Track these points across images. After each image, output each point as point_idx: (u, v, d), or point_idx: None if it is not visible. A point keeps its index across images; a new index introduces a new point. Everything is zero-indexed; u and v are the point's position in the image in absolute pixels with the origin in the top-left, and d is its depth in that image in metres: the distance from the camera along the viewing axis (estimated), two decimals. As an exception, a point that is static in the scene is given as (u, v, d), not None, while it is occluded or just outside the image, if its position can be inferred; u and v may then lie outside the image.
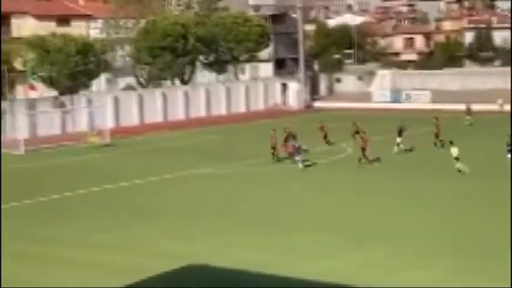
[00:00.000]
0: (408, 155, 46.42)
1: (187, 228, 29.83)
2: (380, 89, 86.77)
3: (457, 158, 39.45)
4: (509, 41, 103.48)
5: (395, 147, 46.82)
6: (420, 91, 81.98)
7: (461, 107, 64.38)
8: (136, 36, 77.52)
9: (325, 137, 51.97)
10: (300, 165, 42.60)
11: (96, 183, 40.43)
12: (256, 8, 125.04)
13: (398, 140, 47.08)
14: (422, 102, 78.16)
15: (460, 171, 38.99)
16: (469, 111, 62.41)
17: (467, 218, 30.02)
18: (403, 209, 31.82)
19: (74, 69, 68.60)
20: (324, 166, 44.10)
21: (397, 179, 38.91)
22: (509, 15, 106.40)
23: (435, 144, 48.19)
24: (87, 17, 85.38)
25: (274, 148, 45.58)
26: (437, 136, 48.55)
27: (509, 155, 42.68)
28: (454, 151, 39.63)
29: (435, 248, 25.59)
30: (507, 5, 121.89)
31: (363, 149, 42.76)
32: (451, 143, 40.15)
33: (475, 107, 68.69)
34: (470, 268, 23.59)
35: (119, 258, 25.81)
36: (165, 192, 37.91)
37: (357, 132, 52.62)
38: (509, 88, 76.39)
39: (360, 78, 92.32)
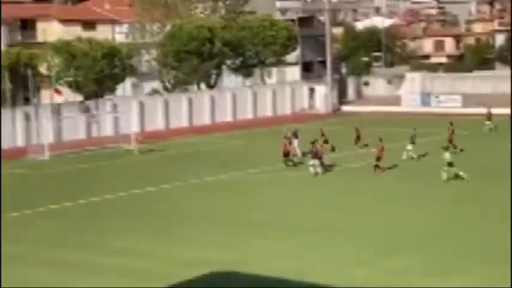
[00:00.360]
0: (425, 160, 45.82)
1: (211, 234, 29.70)
2: (409, 93, 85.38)
3: (450, 164, 38.96)
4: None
5: (404, 153, 46.09)
6: (450, 95, 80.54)
7: (493, 111, 63.05)
8: (162, 40, 77.06)
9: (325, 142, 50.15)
10: (312, 170, 41.75)
11: (120, 188, 40.28)
12: (283, 11, 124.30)
13: (409, 147, 46.33)
14: (452, 106, 76.74)
15: (458, 176, 38.63)
16: (489, 116, 60.47)
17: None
18: (424, 216, 31.59)
19: (99, 73, 68.28)
20: (350, 171, 43.63)
21: (413, 184, 38.80)
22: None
23: (454, 148, 47.68)
24: (113, 21, 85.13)
25: (286, 154, 45.20)
26: (450, 141, 47.96)
27: None
28: (447, 157, 39.12)
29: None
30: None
31: (378, 159, 41.91)
32: (445, 148, 39.92)
33: (505, 110, 67.55)
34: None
35: (145, 264, 25.74)
36: (189, 197, 37.78)
37: (359, 138, 52.20)
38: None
39: (389, 81, 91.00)
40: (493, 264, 24.33)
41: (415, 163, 45.20)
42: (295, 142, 48.74)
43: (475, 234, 28.33)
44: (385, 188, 38.49)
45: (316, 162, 41.80)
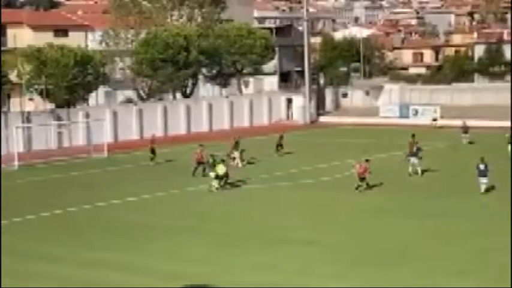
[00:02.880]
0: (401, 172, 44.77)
1: (185, 247, 29.12)
2: (387, 104, 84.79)
3: (217, 177, 39.77)
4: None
5: (410, 168, 44.52)
6: (429, 106, 79.88)
7: (472, 123, 62.25)
8: (136, 48, 75.59)
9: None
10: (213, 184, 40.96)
11: (90, 199, 39.41)
12: (261, 19, 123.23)
13: (415, 160, 44.45)
14: (431, 117, 75.86)
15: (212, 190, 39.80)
16: (465, 129, 59.34)
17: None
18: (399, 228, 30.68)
19: (71, 81, 66.78)
20: (325, 184, 42.68)
21: (390, 197, 37.80)
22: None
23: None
24: (86, 28, 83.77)
25: (200, 163, 45.41)
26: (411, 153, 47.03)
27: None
28: (220, 168, 39.68)
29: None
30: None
31: (362, 179, 39.85)
32: (222, 161, 40.95)
33: (485, 123, 66.81)
34: None
35: (116, 277, 25.23)
36: (161, 209, 37.13)
37: (281, 145, 51.70)
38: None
39: (367, 92, 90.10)
40: (466, 276, 24.33)
41: (394, 175, 44.13)
42: (236, 153, 49.19)
43: (449, 247, 28.05)
44: (360, 200, 37.80)
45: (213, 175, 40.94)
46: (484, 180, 37.98)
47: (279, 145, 54.49)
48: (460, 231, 30.66)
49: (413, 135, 48.10)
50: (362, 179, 39.38)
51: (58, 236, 31.82)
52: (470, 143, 58.23)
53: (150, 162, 51.97)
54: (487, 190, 38.02)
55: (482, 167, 38.19)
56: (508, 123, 65.81)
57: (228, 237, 30.77)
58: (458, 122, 63.26)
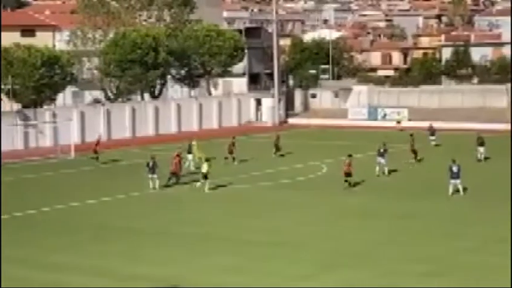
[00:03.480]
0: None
1: (152, 249, 28.91)
2: (356, 106, 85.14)
3: (205, 177, 40.39)
4: (488, 58, 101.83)
5: (377, 168, 44.93)
6: (397, 108, 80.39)
7: (440, 125, 62.70)
8: (104, 48, 75.05)
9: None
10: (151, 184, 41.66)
11: (56, 200, 39.17)
12: (230, 20, 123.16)
13: (382, 161, 45.04)
14: (398, 119, 76.29)
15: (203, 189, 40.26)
16: (432, 131, 59.78)
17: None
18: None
19: (38, 81, 66.21)
20: (298, 184, 42.71)
21: (360, 198, 37.77)
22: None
23: (416, 159, 49.88)
24: (53, 28, 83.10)
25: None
26: (413, 151, 49.83)
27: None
28: (205, 167, 40.56)
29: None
30: (487, 21, 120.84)
31: (347, 174, 40.65)
32: (207, 160, 41.31)
33: (452, 125, 67.36)
34: None
35: (82, 279, 24.98)
36: (129, 211, 36.83)
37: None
38: (486, 106, 75.14)
39: (335, 94, 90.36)
40: (434, 277, 24.44)
41: (363, 176, 44.06)
42: (189, 157, 49.09)
43: (416, 249, 28.14)
44: (332, 201, 38.06)
45: (155, 176, 41.69)
46: (457, 181, 38.27)
47: (277, 145, 54.81)
48: (428, 232, 30.80)
49: (411, 135, 50.33)
50: (348, 174, 40.39)
51: (26, 236, 31.58)
52: (437, 145, 58.68)
53: (96, 162, 52.30)
54: (459, 191, 38.27)
55: (455, 168, 38.39)
56: (473, 126, 66.66)
57: (200, 238, 30.58)
58: (425, 124, 63.73)
